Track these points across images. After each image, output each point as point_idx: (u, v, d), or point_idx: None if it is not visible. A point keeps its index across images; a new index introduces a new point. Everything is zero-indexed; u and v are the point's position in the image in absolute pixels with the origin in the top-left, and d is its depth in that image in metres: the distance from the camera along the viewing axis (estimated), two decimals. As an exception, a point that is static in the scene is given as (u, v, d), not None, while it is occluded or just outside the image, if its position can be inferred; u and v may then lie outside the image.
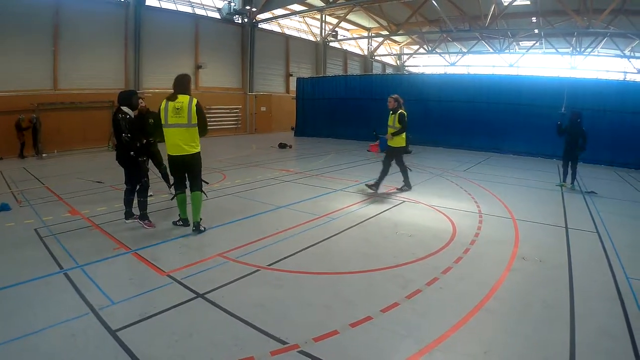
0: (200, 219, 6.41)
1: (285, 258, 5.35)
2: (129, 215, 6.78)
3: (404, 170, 9.62)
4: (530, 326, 3.80)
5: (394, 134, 9.18)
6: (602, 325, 3.85)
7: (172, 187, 6.62)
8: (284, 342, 3.39)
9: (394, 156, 9.39)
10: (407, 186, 9.70)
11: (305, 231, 6.56)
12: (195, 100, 6.06)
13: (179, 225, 6.55)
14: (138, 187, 6.71)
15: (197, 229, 6.31)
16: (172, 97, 6.03)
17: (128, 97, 6.61)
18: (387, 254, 5.59)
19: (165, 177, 8.78)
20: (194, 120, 6.02)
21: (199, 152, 6.28)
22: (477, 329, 3.73)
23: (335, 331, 3.58)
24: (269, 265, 5.10)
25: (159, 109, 6.12)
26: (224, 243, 5.83)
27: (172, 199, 6.67)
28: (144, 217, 6.67)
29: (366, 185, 9.43)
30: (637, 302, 4.33)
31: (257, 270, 4.93)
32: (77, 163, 14.05)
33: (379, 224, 7.03)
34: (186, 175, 6.34)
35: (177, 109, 5.93)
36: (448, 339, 3.53)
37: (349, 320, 3.78)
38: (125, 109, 6.49)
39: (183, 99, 5.98)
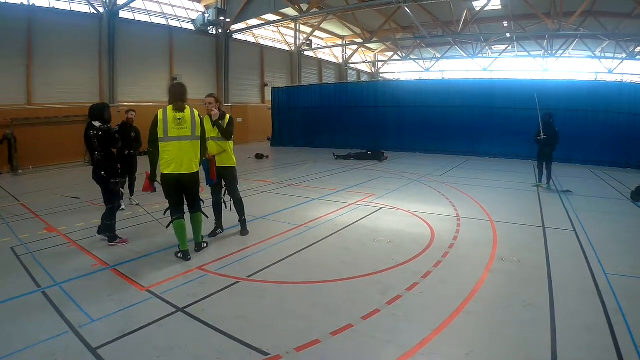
0: (202, 237, 6.10)
1: (264, 269, 5.32)
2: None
3: (240, 202, 6.85)
4: (511, 326, 3.85)
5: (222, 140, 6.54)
6: (583, 322, 3.92)
7: (167, 211, 5.71)
8: (265, 354, 3.37)
9: (229, 180, 6.71)
10: (239, 229, 6.97)
11: (284, 241, 6.55)
12: (197, 111, 5.65)
13: (180, 258, 5.63)
14: (107, 207, 6.35)
15: (200, 248, 5.96)
16: (174, 107, 5.46)
17: (100, 110, 6.28)
18: (366, 261, 5.61)
19: (131, 187, 8.76)
20: (198, 133, 5.58)
21: (198, 172, 5.73)
22: (459, 331, 3.76)
23: (316, 340, 3.58)
24: (249, 276, 5.07)
25: (155, 120, 5.43)
26: (202, 256, 5.78)
27: (167, 226, 5.87)
28: (112, 238, 6.32)
29: (209, 236, 6.62)
30: (615, 297, 4.43)
31: (237, 282, 4.89)
32: (53, 179, 13.80)
33: (357, 232, 7.05)
34: (184, 196, 5.74)
35: (179, 119, 5.40)
36: (430, 342, 3.55)
37: (330, 328, 3.77)
38: (96, 123, 6.16)
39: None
